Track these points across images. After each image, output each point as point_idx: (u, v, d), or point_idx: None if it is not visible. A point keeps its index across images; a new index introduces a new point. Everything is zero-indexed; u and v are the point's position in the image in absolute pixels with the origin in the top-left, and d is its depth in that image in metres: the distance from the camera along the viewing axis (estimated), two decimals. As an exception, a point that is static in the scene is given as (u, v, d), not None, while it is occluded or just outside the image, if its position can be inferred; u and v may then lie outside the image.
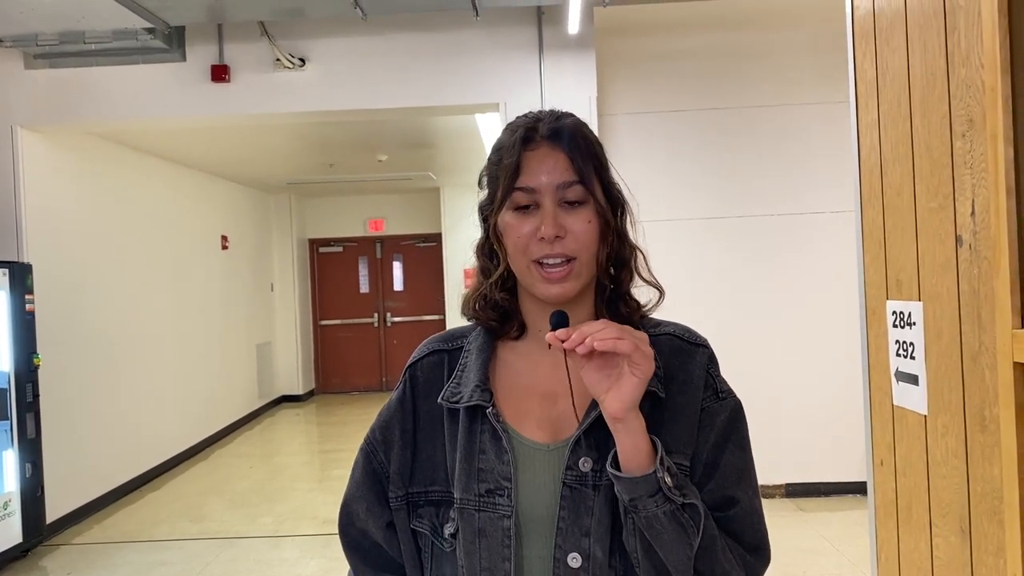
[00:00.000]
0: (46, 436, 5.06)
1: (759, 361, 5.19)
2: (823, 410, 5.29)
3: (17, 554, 4.86)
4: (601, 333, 0.89)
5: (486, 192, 1.09)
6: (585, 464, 0.99)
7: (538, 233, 1.00)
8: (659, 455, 0.92)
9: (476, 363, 1.08)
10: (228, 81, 5.00)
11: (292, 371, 10.69)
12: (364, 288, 11.44)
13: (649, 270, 1.10)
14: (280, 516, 5.70)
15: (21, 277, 4.89)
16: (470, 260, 1.13)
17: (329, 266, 11.44)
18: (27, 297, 4.92)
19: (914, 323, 1.78)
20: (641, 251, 1.10)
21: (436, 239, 10.77)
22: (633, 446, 0.92)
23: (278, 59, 4.90)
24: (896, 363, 1.87)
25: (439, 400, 1.08)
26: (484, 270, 1.11)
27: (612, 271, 1.08)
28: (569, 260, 1.01)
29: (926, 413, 1.73)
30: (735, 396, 1.07)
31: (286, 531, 5.35)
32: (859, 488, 5.17)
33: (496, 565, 0.98)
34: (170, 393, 7.30)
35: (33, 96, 5.09)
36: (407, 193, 10.97)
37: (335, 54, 5.02)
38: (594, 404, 0.98)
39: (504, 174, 1.02)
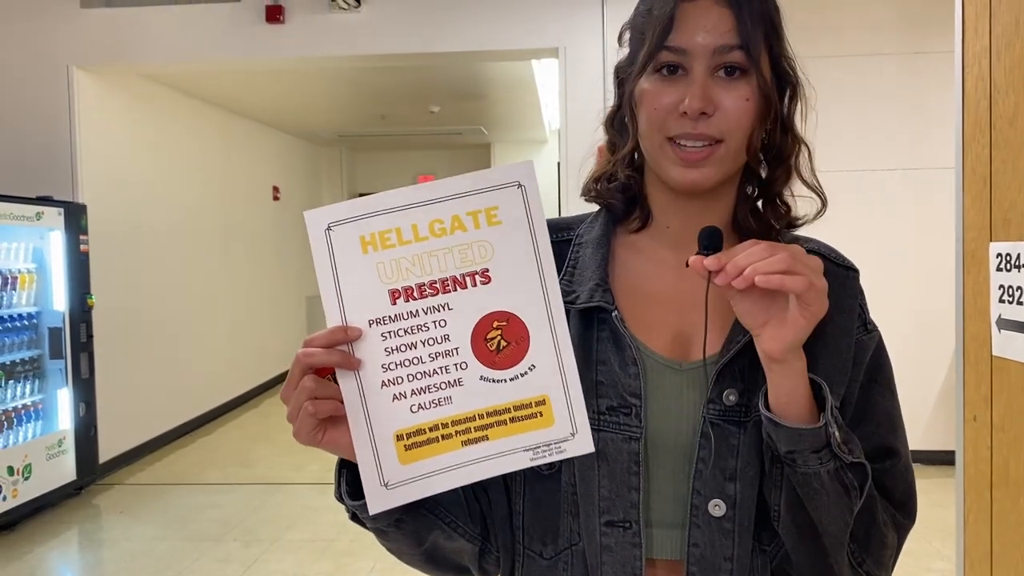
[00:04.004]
0: (100, 377, 5.11)
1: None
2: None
3: (71, 491, 4.94)
4: (765, 264, 0.71)
5: (626, 51, 0.91)
6: (730, 397, 0.84)
7: (680, 106, 0.81)
8: (828, 404, 0.77)
9: (593, 258, 0.90)
10: (283, 22, 4.90)
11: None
12: (413, 244, 11.40)
13: (813, 172, 0.92)
14: (327, 464, 5.60)
15: (76, 217, 4.90)
16: None
17: (378, 221, 11.38)
18: (82, 238, 4.94)
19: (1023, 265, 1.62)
20: (807, 146, 0.91)
21: (486, 196, 10.62)
22: (791, 390, 0.77)
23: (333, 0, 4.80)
24: (998, 310, 1.72)
25: None
26: (612, 145, 0.94)
27: (765, 167, 0.90)
28: (714, 143, 0.82)
29: (1034, 363, 1.59)
30: (878, 330, 0.91)
31: (333, 479, 5.34)
32: (917, 457, 5.00)
33: (621, 495, 0.82)
34: (222, 341, 7.35)
35: (88, 35, 5.05)
36: (457, 149, 10.84)
37: (391, -5, 4.89)
38: (740, 326, 0.81)
39: (652, 28, 0.83)
